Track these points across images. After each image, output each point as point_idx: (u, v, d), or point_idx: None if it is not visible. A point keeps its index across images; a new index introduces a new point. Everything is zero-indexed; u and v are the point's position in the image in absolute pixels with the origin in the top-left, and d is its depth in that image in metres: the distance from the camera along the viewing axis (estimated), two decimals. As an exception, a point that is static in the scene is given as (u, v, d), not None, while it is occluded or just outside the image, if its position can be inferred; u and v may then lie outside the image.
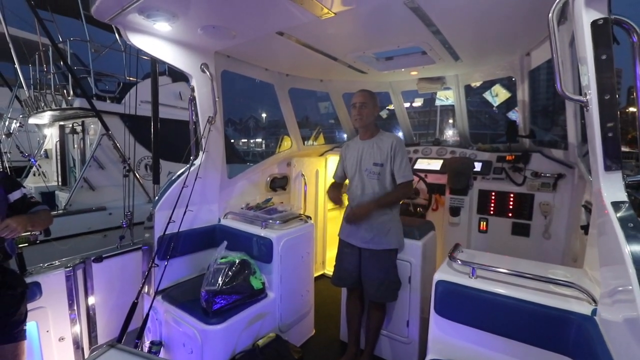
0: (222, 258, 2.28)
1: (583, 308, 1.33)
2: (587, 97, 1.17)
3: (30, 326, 1.80)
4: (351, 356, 2.45)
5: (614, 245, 1.07)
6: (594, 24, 1.10)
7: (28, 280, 1.95)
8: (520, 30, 2.16)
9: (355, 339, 2.48)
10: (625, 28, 1.10)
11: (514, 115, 3.08)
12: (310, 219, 2.83)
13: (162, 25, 2.05)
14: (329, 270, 4.15)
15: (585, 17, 1.11)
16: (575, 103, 1.25)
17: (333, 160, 4.18)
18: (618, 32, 1.17)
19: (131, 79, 6.45)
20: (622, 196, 1.14)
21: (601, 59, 1.11)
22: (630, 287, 0.95)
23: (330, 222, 4.19)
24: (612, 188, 1.17)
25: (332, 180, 2.59)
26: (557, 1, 1.18)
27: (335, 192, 2.50)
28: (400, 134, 4.33)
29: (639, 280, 0.95)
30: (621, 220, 1.08)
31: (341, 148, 2.55)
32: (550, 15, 1.18)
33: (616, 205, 1.13)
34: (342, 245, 2.44)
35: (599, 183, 1.21)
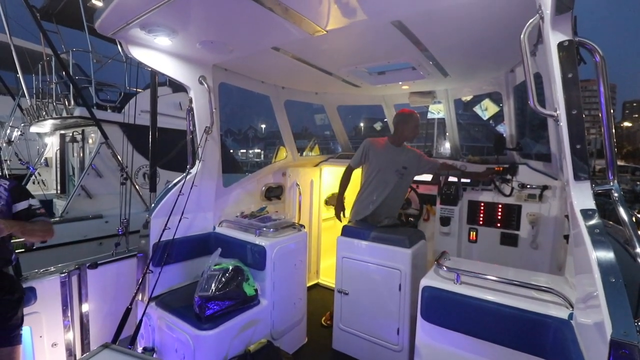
0: (215, 265, 2.32)
1: (561, 312, 1.39)
2: (557, 112, 1.26)
3: (24, 331, 1.83)
4: None
5: (584, 251, 1.14)
6: (560, 45, 1.19)
7: (23, 285, 1.98)
8: (504, 49, 2.27)
9: None
10: (588, 49, 1.20)
11: (503, 128, 3.19)
12: (304, 227, 2.89)
13: (162, 40, 2.14)
14: (323, 279, 4.17)
15: (552, 39, 1.21)
16: (548, 117, 1.33)
17: (328, 170, 4.25)
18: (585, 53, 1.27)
19: (134, 89, 6.57)
20: (591, 204, 1.21)
21: (568, 77, 1.20)
22: (597, 292, 1.01)
23: (324, 232, 4.23)
24: (581, 197, 1.24)
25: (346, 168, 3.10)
26: (527, 24, 1.28)
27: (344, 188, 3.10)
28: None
29: (603, 284, 1.01)
30: (589, 228, 1.15)
31: (367, 143, 3.04)
32: (522, 36, 1.28)
33: (585, 213, 1.19)
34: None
35: (570, 192, 1.29)
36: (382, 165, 2.92)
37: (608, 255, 1.05)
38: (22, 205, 1.79)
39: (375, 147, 2.98)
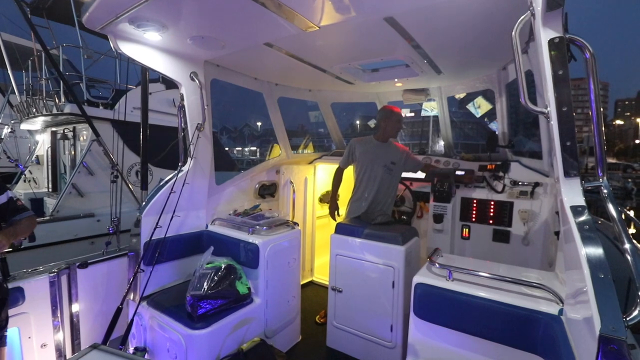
0: (208, 263, 2.31)
1: (551, 308, 1.39)
2: (548, 109, 1.26)
3: (11, 332, 1.80)
4: None
5: (574, 247, 1.14)
6: (550, 42, 1.19)
7: (11, 285, 1.95)
8: (496, 46, 2.27)
9: None
10: (578, 46, 1.19)
11: (495, 126, 3.20)
12: (297, 225, 2.87)
13: (152, 35, 2.11)
14: (318, 277, 4.16)
15: (543, 36, 1.20)
16: (539, 115, 1.33)
17: (322, 168, 4.23)
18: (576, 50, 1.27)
19: (128, 86, 6.49)
20: (580, 200, 1.21)
21: (558, 74, 1.20)
22: (586, 288, 1.02)
23: (318, 229, 4.22)
24: (571, 193, 1.24)
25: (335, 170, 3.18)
26: (518, 21, 1.27)
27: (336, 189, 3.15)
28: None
29: (592, 280, 1.01)
30: (578, 224, 1.15)
31: (353, 143, 3.10)
32: (513, 33, 1.28)
33: (575, 209, 1.20)
34: None
35: (561, 189, 1.29)
36: (369, 163, 2.94)
37: (597, 251, 1.05)
38: (1, 199, 1.72)
39: (361, 146, 3.01)
